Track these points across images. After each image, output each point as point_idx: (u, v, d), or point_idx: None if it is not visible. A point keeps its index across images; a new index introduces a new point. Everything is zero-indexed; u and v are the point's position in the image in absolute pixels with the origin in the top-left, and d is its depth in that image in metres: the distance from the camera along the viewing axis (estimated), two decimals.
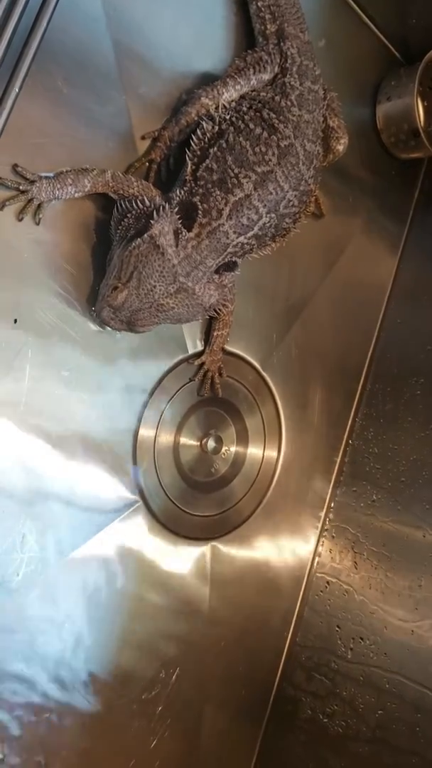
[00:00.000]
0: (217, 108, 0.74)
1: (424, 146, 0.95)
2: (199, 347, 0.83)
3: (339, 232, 0.97)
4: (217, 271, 0.71)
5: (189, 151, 0.72)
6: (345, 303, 0.99)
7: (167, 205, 0.66)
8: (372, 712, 0.86)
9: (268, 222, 0.72)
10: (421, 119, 0.95)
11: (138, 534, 0.80)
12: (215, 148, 0.71)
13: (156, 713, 0.83)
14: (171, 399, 0.81)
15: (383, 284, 1.04)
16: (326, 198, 0.93)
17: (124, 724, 0.80)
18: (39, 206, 0.67)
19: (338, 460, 1.01)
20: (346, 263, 0.98)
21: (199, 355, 0.83)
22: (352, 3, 0.93)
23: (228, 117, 0.73)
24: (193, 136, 0.73)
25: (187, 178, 0.71)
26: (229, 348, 0.86)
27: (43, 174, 0.66)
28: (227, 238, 0.70)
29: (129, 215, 0.67)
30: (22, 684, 0.71)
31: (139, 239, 0.65)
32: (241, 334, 0.87)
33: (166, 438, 0.82)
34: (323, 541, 0.99)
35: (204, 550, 0.87)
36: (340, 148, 0.84)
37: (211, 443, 0.86)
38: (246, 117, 0.73)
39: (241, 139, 0.71)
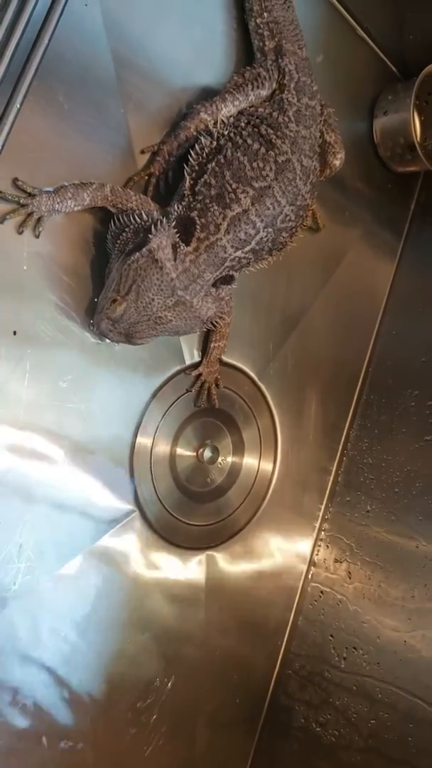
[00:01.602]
0: (215, 123, 0.75)
1: (419, 160, 0.96)
2: (197, 358, 0.84)
3: (336, 244, 0.98)
4: (214, 285, 0.72)
5: (187, 166, 0.73)
6: (341, 314, 1.00)
7: (165, 220, 0.67)
8: (365, 721, 0.87)
9: (265, 236, 0.73)
10: (417, 134, 0.96)
11: (134, 543, 0.80)
12: (213, 164, 0.72)
13: (150, 722, 0.83)
14: (168, 409, 0.82)
15: (379, 296, 1.05)
16: (323, 210, 0.94)
17: (119, 732, 0.81)
18: (39, 219, 0.68)
19: (333, 471, 1.02)
20: (342, 275, 0.99)
21: (196, 366, 0.84)
22: (350, 19, 0.94)
23: (226, 132, 0.74)
24: (191, 151, 0.73)
25: (186, 192, 0.72)
26: (226, 359, 0.87)
27: (43, 188, 0.67)
28: (225, 252, 0.70)
29: (128, 229, 0.68)
30: (18, 692, 0.71)
31: (137, 253, 0.65)
32: (238, 345, 0.88)
33: (162, 448, 0.82)
34: (318, 551, 1.00)
35: (199, 559, 0.87)
36: (337, 162, 0.85)
37: (207, 453, 0.87)
38: (244, 133, 0.73)
39: (239, 154, 0.72)
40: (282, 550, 0.97)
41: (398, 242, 1.06)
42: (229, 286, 0.73)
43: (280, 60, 0.78)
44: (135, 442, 0.79)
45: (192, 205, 0.71)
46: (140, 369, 0.79)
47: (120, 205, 0.70)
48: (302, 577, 1.00)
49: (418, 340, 0.99)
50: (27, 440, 0.70)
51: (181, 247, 0.68)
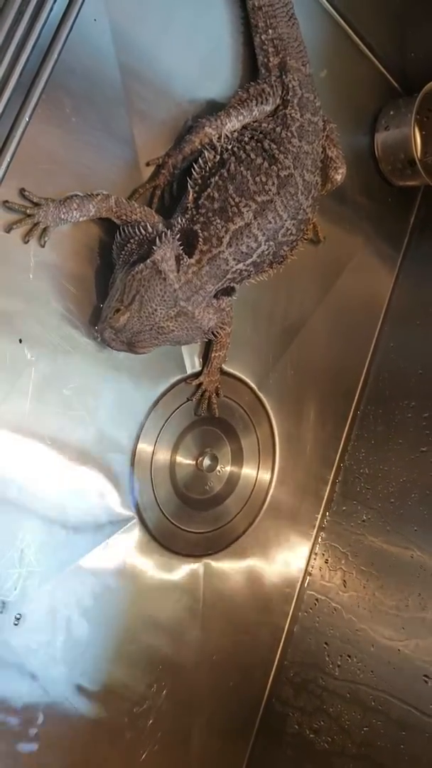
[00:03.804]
0: (219, 138, 0.76)
1: (420, 175, 0.98)
2: (198, 367, 0.85)
3: (336, 257, 1.00)
4: (215, 296, 0.73)
5: (191, 179, 0.74)
6: (340, 326, 1.02)
7: (169, 232, 0.68)
8: (358, 728, 0.87)
9: (267, 250, 0.74)
10: (418, 149, 0.98)
11: (133, 549, 0.81)
12: (217, 177, 0.73)
13: (146, 726, 0.84)
14: (169, 418, 0.83)
15: (378, 308, 1.06)
16: (324, 223, 0.95)
17: (115, 737, 0.81)
18: (45, 230, 0.69)
19: (330, 480, 1.03)
20: (342, 287, 1.00)
21: (197, 375, 0.85)
22: (354, 35, 0.96)
23: (230, 147, 0.75)
24: (195, 164, 0.74)
25: (189, 205, 0.73)
26: (226, 368, 0.88)
27: (50, 199, 0.68)
28: (227, 264, 0.71)
29: (132, 241, 0.69)
30: (17, 697, 0.72)
31: (141, 264, 0.66)
32: (239, 355, 0.89)
33: (162, 456, 0.83)
34: (314, 560, 1.01)
35: (197, 566, 0.88)
36: (338, 177, 0.86)
37: (206, 461, 0.88)
38: (247, 147, 0.75)
39: (242, 168, 0.73)
40: (278, 559, 0.98)
41: (397, 255, 1.07)
42: (230, 298, 0.74)
43: (284, 76, 0.79)
44: (136, 450, 0.80)
45: (195, 218, 0.72)
46: (142, 377, 0.80)
47: (124, 217, 0.71)
48: (298, 585, 1.00)
49: (416, 352, 1.00)
50: (30, 446, 0.71)
51: (184, 259, 0.69)
